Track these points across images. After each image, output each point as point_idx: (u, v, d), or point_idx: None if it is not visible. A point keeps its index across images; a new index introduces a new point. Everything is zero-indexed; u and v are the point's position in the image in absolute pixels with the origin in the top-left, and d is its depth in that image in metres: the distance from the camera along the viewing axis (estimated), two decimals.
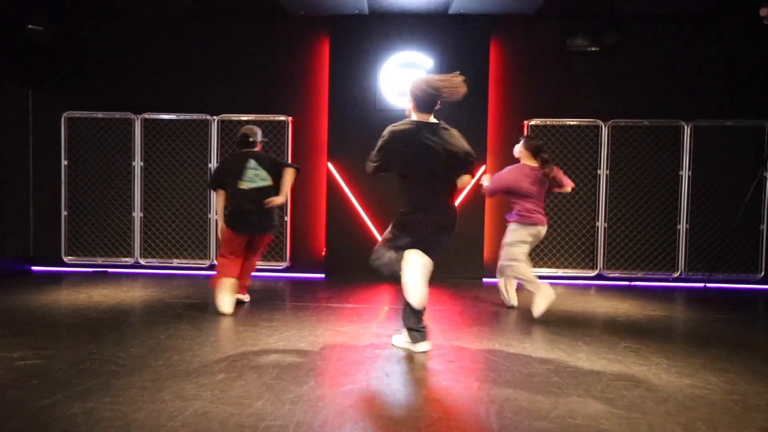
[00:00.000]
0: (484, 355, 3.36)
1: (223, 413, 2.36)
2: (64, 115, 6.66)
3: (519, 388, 2.77)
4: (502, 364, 3.19)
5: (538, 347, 3.55)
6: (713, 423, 2.37)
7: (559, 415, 2.43)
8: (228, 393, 2.61)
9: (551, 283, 5.71)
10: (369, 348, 3.48)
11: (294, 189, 6.63)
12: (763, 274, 6.40)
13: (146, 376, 2.84)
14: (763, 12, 5.64)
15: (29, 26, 6.12)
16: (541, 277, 6.23)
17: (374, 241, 6.46)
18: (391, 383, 2.82)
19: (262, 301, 4.96)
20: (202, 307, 4.64)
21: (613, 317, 4.60)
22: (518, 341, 3.70)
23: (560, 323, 4.31)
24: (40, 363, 3.02)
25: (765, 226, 6.37)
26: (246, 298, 4.87)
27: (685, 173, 6.41)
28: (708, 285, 6.30)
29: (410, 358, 3.28)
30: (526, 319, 4.43)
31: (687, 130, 6.40)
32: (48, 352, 3.23)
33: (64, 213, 6.73)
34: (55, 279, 6.08)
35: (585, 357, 3.35)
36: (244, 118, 6.61)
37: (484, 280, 6.44)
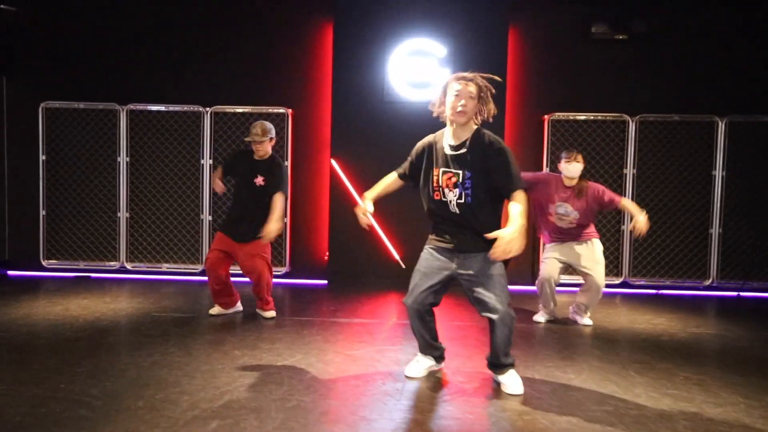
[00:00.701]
0: (526, 390, 2.85)
1: None
2: (42, 105, 6.07)
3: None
4: (548, 402, 2.68)
5: (585, 379, 3.05)
6: None
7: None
8: None
9: (574, 291, 5.25)
10: (389, 380, 2.96)
11: (294, 188, 6.11)
12: None
13: (121, 424, 2.31)
14: None
15: (1, 6, 5.53)
16: (565, 285, 5.80)
17: (381, 245, 5.95)
18: (418, 428, 2.32)
19: (256, 315, 4.42)
20: (193, 324, 4.11)
21: (655, 336, 4.10)
22: (560, 369, 3.20)
23: (598, 343, 3.82)
24: None
25: None
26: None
27: (718, 173, 5.93)
28: (741, 293, 5.84)
29: (434, 390, 2.77)
30: (559, 336, 3.93)
31: (721, 127, 5.90)
32: (4, 386, 2.69)
33: (42, 213, 6.16)
34: (32, 286, 5.52)
35: (644, 393, 2.85)
36: (240, 110, 6.06)
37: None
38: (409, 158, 3.06)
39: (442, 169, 2.83)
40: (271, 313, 4.37)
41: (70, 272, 6.14)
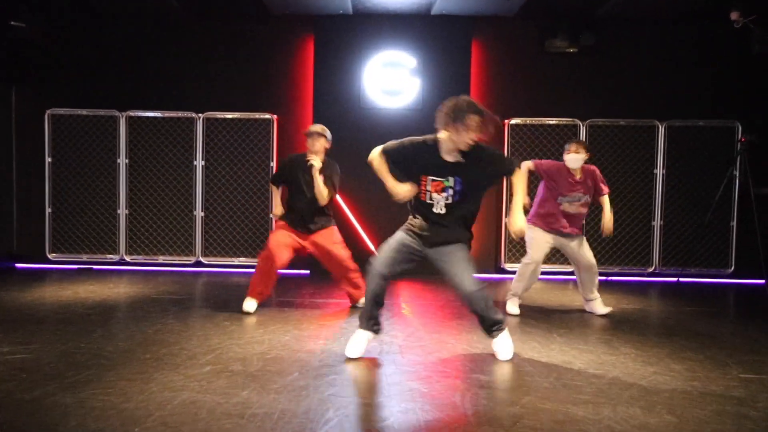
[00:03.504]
0: (463, 347, 3.50)
1: (210, 402, 2.47)
2: (48, 112, 6.66)
3: (494, 378, 2.91)
4: (479, 356, 3.33)
5: (514, 339, 3.69)
6: (672, 406, 2.53)
7: (530, 401, 2.57)
8: (214, 383, 2.71)
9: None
10: (340, 340, 3.59)
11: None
12: (733, 268, 6.64)
13: (134, 368, 2.93)
14: (733, 16, 5.86)
15: (12, 23, 6.11)
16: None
17: (359, 239, 6.58)
18: (373, 372, 2.95)
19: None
20: (188, 303, 4.72)
21: (589, 311, 4.77)
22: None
23: (538, 317, 4.47)
24: (29, 357, 3.09)
25: (734, 223, 6.61)
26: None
27: (659, 171, 6.62)
28: (681, 279, 6.52)
29: (391, 348, 3.40)
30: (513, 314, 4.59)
31: (661, 130, 6.61)
32: (36, 347, 3.29)
33: (48, 210, 6.73)
34: (40, 276, 6.10)
35: (558, 348, 3.51)
36: (230, 116, 6.67)
37: None
38: (395, 152, 3.18)
39: (431, 178, 3.07)
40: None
41: (73, 264, 6.72)
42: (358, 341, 3.25)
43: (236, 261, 6.74)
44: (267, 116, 6.66)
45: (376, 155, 3.23)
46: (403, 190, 3.12)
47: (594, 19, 6.52)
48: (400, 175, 3.18)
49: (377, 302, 3.24)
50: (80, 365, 2.96)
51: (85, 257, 6.77)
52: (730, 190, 6.53)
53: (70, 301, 4.71)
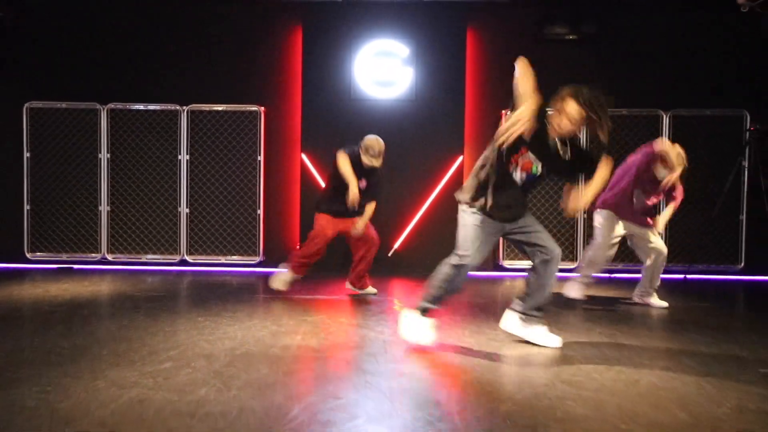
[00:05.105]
0: (451, 342, 3.19)
1: (161, 400, 2.17)
2: (26, 105, 6.40)
3: (482, 374, 2.61)
4: (469, 350, 3.03)
5: (512, 334, 3.40)
6: (685, 403, 2.22)
7: (525, 397, 2.27)
8: (171, 380, 2.42)
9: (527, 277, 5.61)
10: (332, 335, 3.30)
11: (267, 181, 6.46)
12: (743, 264, 6.33)
13: (85, 365, 2.63)
14: (740, 0, 5.59)
15: None
16: (517, 270, 6.17)
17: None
18: (351, 367, 2.65)
19: (230, 294, 4.75)
20: (165, 300, 4.43)
21: (590, 306, 4.47)
22: (492, 329, 3.54)
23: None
24: None
25: (744, 217, 6.30)
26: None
27: None
28: (688, 276, 6.21)
29: (375, 344, 3.11)
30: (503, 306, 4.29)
31: (666, 120, 6.32)
32: None
33: (26, 207, 6.46)
34: (17, 276, 5.82)
35: (565, 344, 3.20)
36: (215, 108, 6.41)
37: None
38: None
39: (529, 155, 2.97)
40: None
41: (53, 263, 6.44)
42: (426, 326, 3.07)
43: (222, 259, 6.45)
44: (254, 108, 6.39)
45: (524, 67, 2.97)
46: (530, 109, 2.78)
47: (593, 5, 6.25)
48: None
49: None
50: (24, 362, 2.66)
51: (65, 256, 6.50)
52: (739, 183, 6.22)
53: (38, 298, 4.42)
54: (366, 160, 4.43)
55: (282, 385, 2.38)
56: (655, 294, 4.51)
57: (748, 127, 6.08)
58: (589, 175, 3.10)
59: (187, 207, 6.46)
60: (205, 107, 6.42)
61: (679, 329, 3.64)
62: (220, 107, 6.41)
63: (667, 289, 5.52)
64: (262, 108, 6.42)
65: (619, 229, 4.47)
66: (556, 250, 3.07)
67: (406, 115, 6.35)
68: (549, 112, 2.99)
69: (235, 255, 6.44)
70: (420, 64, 6.37)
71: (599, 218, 4.49)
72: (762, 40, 5.96)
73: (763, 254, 6.08)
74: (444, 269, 3.01)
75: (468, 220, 3.02)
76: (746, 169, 6.21)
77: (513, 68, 2.97)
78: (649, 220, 4.48)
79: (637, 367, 2.73)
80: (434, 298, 3.05)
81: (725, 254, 6.35)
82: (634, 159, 4.45)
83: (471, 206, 3.03)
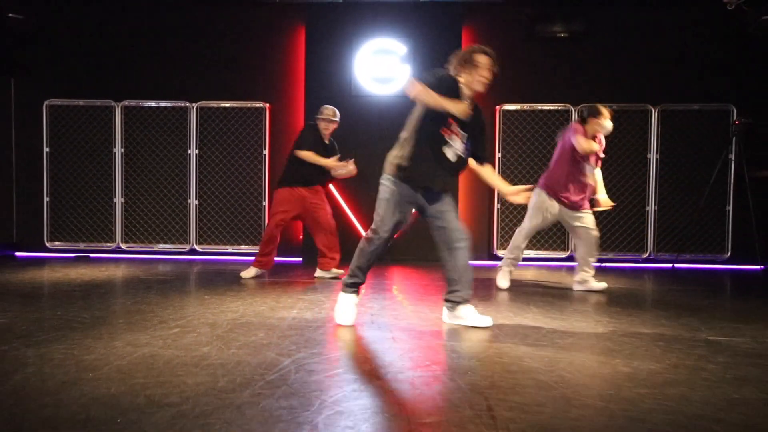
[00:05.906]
0: (437, 316, 3.50)
1: (169, 356, 2.50)
2: (46, 102, 6.80)
3: (458, 337, 2.91)
4: (452, 326, 3.32)
5: (490, 311, 3.69)
6: (630, 359, 2.51)
7: (488, 355, 2.57)
8: (179, 341, 2.75)
9: (526, 265, 5.93)
10: (325, 310, 3.61)
11: (271, 175, 6.79)
12: (729, 254, 6.55)
13: (104, 330, 2.97)
14: None
15: (10, 15, 6.26)
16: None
17: (351, 225, 6.61)
18: (342, 332, 2.96)
19: (236, 278, 5.08)
20: (175, 282, 4.77)
21: (571, 290, 4.74)
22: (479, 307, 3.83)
23: (524, 294, 4.45)
24: (4, 322, 3.15)
25: (730, 208, 6.52)
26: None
27: (652, 156, 6.57)
28: (676, 265, 6.43)
29: (363, 317, 3.41)
30: (494, 288, 4.58)
31: (654, 114, 6.55)
32: (12, 314, 3.36)
33: (46, 199, 6.86)
34: (37, 263, 6.21)
35: (531, 317, 3.49)
36: (223, 105, 6.75)
37: None
38: (437, 84, 3.03)
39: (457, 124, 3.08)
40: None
41: (71, 252, 6.83)
42: (349, 307, 3.22)
43: (230, 249, 6.80)
44: (260, 105, 6.73)
45: (420, 87, 3.00)
46: (464, 107, 2.98)
47: (584, 4, 6.50)
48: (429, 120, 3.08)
49: (371, 266, 3.25)
50: (51, 328, 3.01)
51: (82, 245, 6.88)
52: (725, 174, 6.45)
53: (59, 280, 4.79)
54: (323, 126, 5.01)
55: (275, 346, 2.69)
56: (592, 277, 4.56)
57: (733, 121, 6.30)
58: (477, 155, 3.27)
59: (196, 199, 6.81)
60: (214, 104, 6.76)
61: (649, 307, 3.90)
62: (227, 104, 6.75)
63: (654, 277, 5.77)
64: (268, 104, 6.75)
65: (553, 209, 4.49)
66: (465, 237, 3.11)
67: (404, 111, 6.59)
68: (460, 79, 3.12)
69: (242, 244, 6.78)
70: (417, 62, 6.66)
71: (533, 198, 4.50)
72: (747, 36, 6.17)
73: (749, 244, 6.28)
74: (360, 244, 3.19)
75: (385, 192, 3.12)
76: (732, 161, 6.43)
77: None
78: (585, 202, 4.49)
79: (598, 333, 3.01)
80: (357, 270, 3.20)
81: (713, 244, 6.57)
82: (564, 141, 4.49)
83: (395, 175, 3.11)
